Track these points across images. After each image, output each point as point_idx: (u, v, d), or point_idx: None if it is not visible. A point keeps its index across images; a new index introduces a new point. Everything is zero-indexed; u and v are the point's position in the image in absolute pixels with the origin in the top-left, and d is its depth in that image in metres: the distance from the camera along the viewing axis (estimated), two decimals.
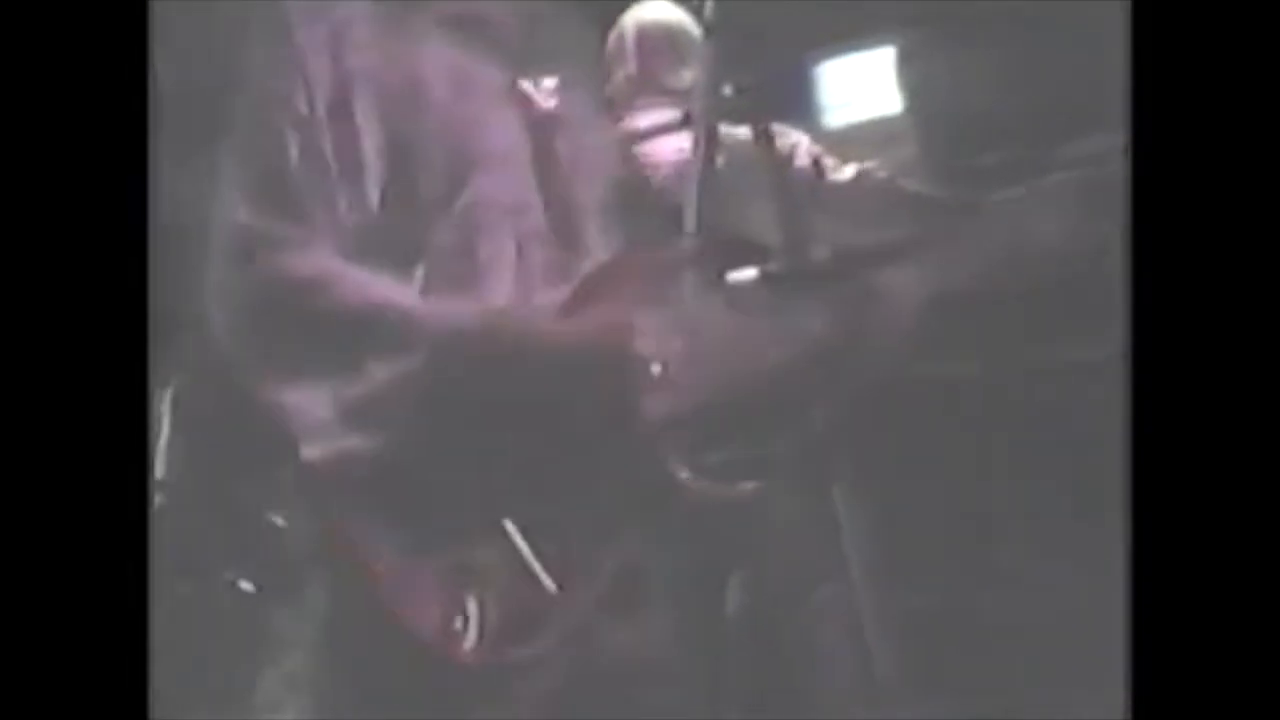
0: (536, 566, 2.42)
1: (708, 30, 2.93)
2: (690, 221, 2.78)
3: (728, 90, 2.88)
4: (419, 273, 2.38)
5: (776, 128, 3.19)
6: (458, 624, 2.36)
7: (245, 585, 3.85)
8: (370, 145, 2.36)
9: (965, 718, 3.16)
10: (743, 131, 3.03)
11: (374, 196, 2.34)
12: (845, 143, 3.76)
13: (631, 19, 3.85)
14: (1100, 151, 3.54)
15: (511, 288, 2.43)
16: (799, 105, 3.90)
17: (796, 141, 3.54)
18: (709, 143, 2.84)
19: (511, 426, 2.40)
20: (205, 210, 2.33)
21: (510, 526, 2.42)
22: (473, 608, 2.38)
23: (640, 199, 3.09)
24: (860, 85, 4.01)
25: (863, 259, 3.52)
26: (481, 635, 2.36)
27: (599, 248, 2.54)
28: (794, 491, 3.01)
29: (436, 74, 2.41)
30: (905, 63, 4.00)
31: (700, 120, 2.85)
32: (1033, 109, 3.76)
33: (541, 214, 2.51)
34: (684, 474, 2.53)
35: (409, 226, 2.38)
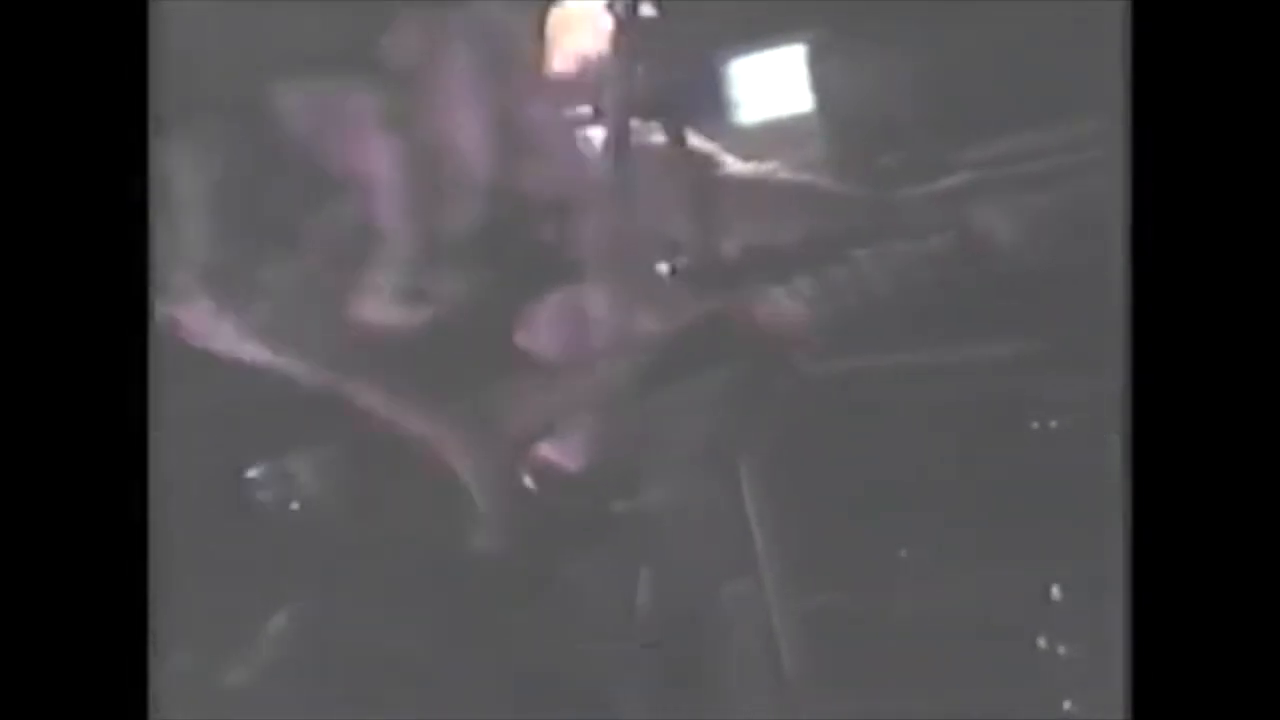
0: None
1: (620, 26, 2.92)
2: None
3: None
4: None
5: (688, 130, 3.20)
6: None
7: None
8: None
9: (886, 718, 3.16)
10: (655, 130, 3.03)
11: None
12: (754, 140, 3.75)
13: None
14: (1010, 152, 3.55)
15: None
16: (708, 102, 3.88)
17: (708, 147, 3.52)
18: (621, 137, 2.84)
19: None
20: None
21: None
22: None
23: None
24: (770, 83, 4.00)
25: (773, 255, 3.53)
26: None
27: None
28: (703, 488, 3.00)
29: None
30: (815, 61, 4.00)
31: (612, 115, 2.85)
32: (941, 110, 3.77)
33: None
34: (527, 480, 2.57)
35: None
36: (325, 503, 2.82)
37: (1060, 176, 3.39)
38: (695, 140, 3.41)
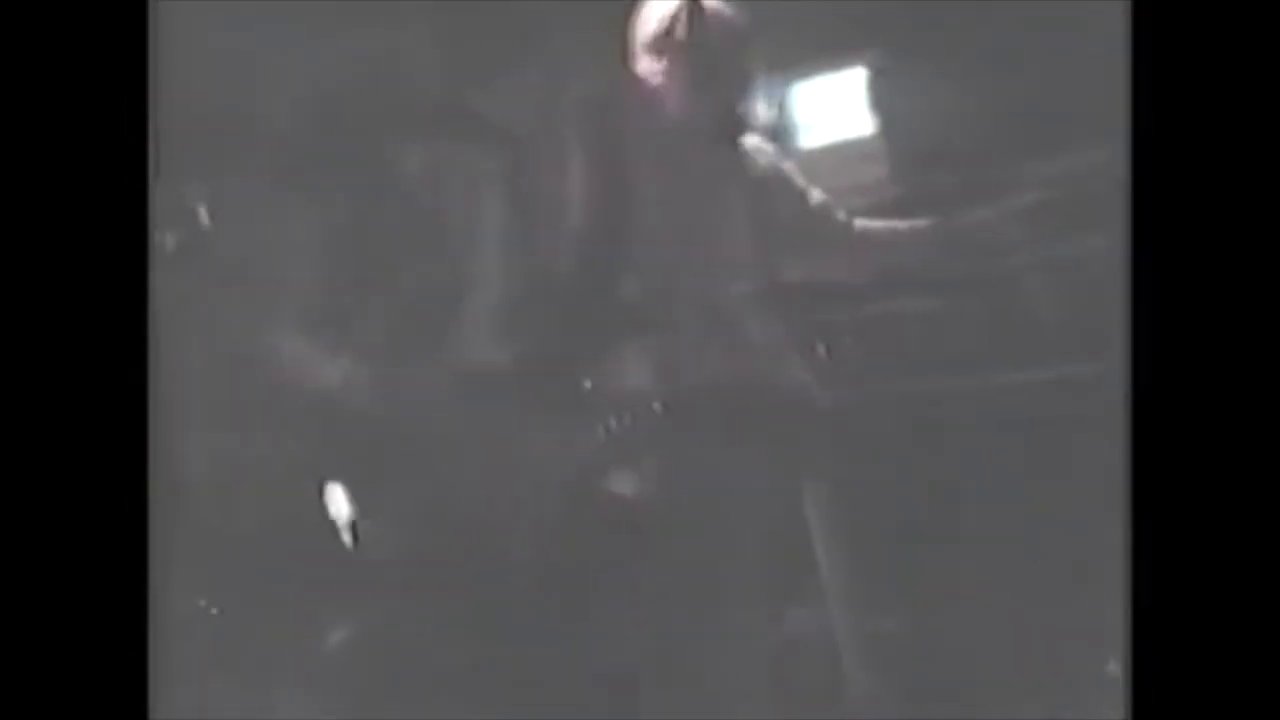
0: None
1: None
2: None
3: None
4: None
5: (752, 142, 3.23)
6: None
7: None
8: None
9: None
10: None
11: None
12: (816, 162, 3.76)
13: None
14: (1070, 170, 3.55)
15: None
16: (770, 124, 3.89)
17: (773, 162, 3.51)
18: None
19: None
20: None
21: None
22: None
23: None
24: (831, 106, 4.02)
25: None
26: None
27: None
28: (765, 506, 3.01)
29: None
30: (876, 84, 4.01)
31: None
32: (1002, 129, 3.77)
33: None
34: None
35: None
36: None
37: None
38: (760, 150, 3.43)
